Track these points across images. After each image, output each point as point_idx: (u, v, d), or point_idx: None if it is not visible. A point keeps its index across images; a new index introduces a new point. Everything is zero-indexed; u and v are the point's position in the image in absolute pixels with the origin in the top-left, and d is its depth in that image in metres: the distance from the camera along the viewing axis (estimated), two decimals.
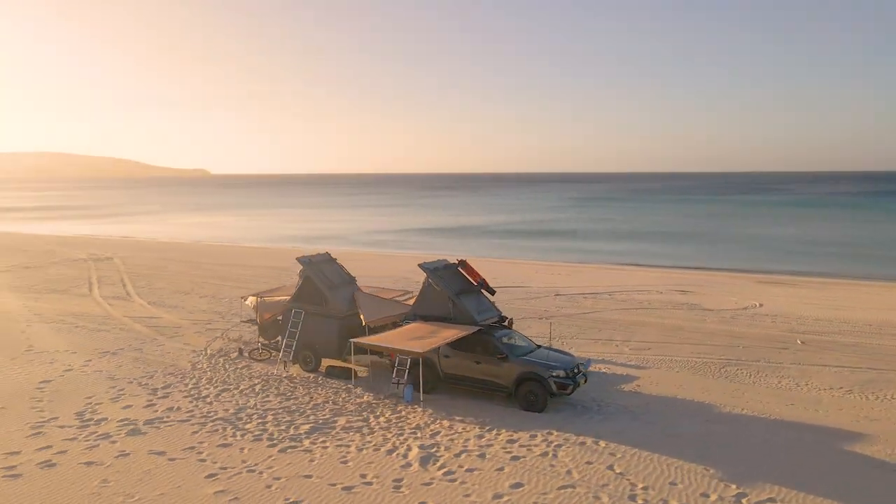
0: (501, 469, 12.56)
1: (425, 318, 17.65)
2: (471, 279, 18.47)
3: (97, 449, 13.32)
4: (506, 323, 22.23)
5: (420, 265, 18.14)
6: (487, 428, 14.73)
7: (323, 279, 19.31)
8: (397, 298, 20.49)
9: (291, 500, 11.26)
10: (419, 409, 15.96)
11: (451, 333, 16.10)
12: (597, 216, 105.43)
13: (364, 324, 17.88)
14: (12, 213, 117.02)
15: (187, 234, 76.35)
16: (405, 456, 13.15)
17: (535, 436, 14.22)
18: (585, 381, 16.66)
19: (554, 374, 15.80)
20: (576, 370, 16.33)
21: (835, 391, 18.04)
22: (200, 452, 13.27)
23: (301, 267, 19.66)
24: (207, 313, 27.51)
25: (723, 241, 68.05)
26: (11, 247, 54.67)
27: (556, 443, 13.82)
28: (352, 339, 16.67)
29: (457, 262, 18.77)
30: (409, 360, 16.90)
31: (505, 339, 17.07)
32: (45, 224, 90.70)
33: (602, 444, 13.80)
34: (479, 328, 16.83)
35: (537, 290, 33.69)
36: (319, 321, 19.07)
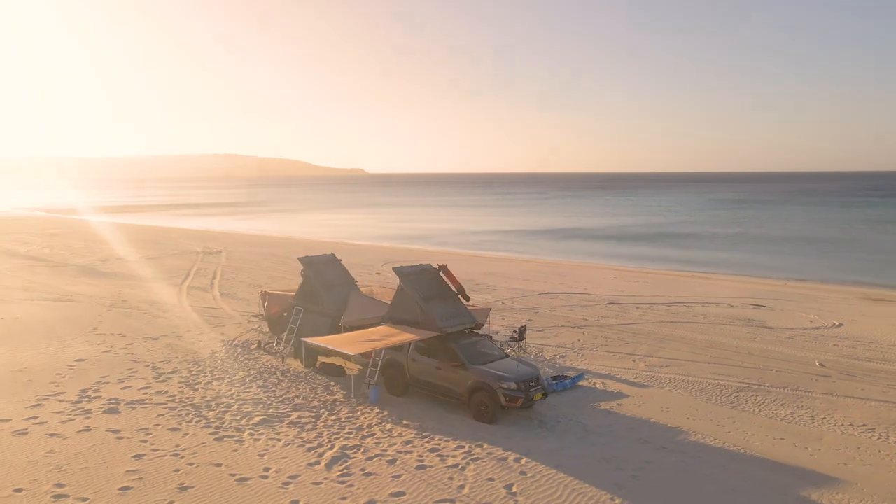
0: (399, 476, 12.58)
1: (397, 322, 17.88)
2: (451, 285, 18.44)
3: (70, 423, 15.05)
4: (517, 329, 21.82)
5: (394, 269, 18.39)
6: (423, 435, 14.72)
7: (320, 279, 20.21)
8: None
9: (184, 485, 12.12)
10: (375, 411, 16.26)
11: (404, 337, 16.24)
12: (730, 220, 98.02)
13: (339, 324, 18.51)
14: (175, 210, 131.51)
15: (305, 230, 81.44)
16: (321, 455, 13.56)
17: (462, 447, 14.02)
18: (544, 396, 16.06)
19: (504, 385, 15.39)
20: (532, 383, 15.78)
21: (852, 428, 15.84)
22: (149, 434, 14.56)
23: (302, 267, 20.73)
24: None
25: (862, 249, 60.76)
26: (152, 240, 61.74)
27: (475, 456, 13.55)
28: (302, 339, 17.34)
29: (438, 266, 18.79)
30: (380, 362, 17.31)
31: (471, 347, 16.84)
32: (193, 220, 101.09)
33: (523, 461, 13.31)
34: (436, 334, 16.77)
35: (592, 297, 32.39)
36: (315, 319, 19.99)
